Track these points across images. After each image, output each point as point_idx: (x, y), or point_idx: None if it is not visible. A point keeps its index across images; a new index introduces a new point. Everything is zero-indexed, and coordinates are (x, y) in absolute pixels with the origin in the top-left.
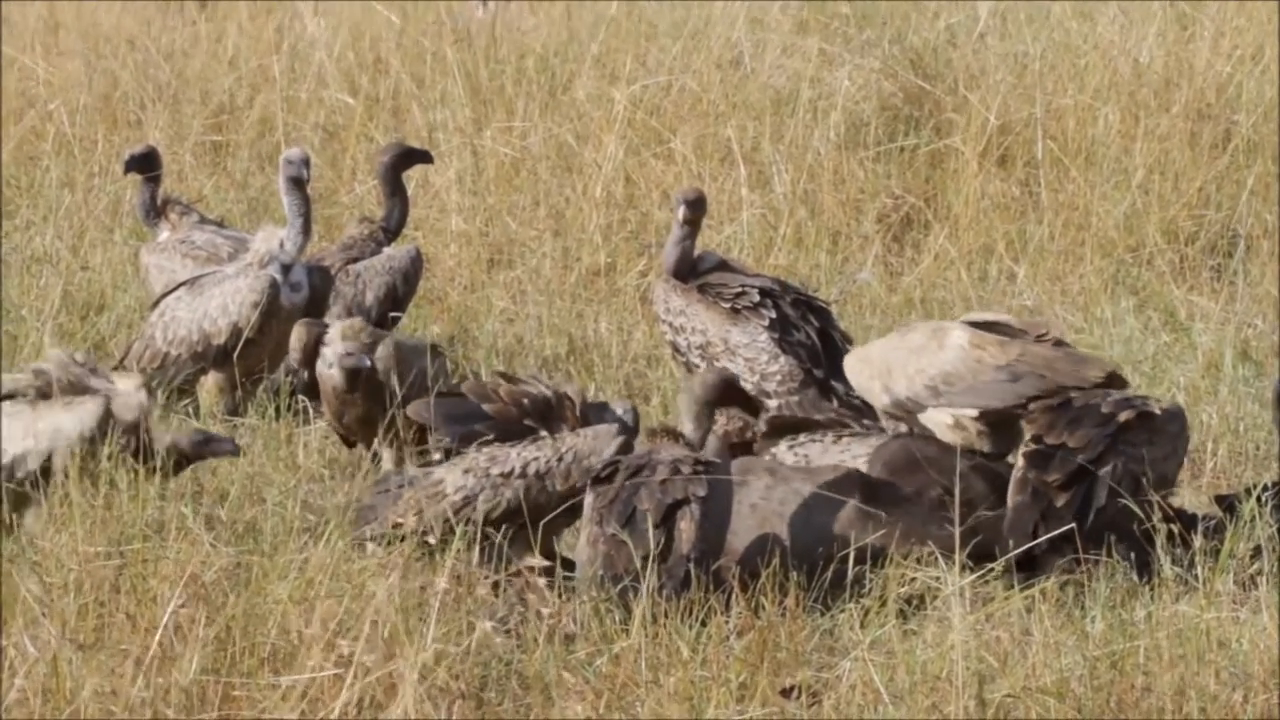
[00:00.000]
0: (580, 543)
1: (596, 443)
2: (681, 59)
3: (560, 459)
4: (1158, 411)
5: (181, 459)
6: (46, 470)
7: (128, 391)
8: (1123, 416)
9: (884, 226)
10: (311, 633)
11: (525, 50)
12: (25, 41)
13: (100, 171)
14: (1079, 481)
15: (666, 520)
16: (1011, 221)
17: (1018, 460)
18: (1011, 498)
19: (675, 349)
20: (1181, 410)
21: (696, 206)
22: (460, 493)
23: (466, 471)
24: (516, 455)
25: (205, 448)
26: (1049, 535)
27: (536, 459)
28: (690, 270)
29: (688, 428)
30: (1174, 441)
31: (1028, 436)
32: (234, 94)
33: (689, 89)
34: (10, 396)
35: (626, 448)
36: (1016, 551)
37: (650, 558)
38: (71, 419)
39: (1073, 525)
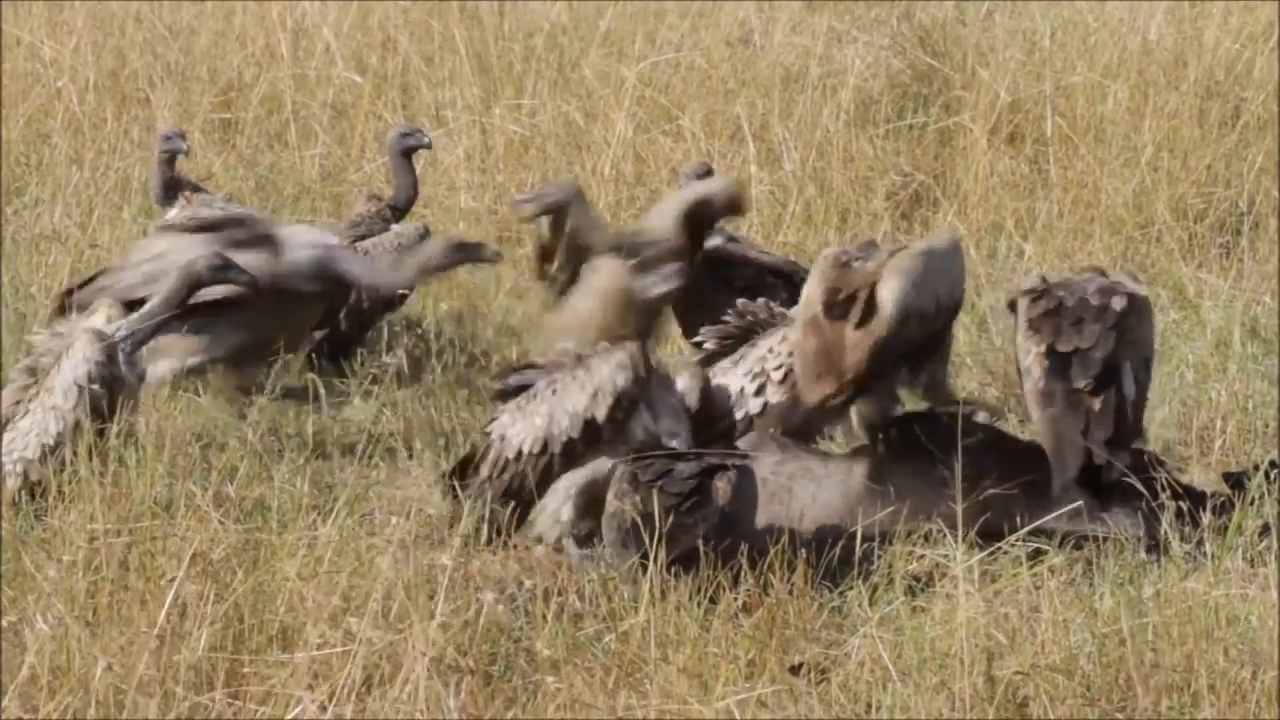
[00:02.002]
0: (609, 497)
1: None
2: (690, 36)
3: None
4: (1142, 291)
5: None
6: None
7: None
8: (1117, 304)
9: (893, 204)
10: (320, 609)
11: (534, 28)
12: (30, 20)
13: (109, 149)
14: (1106, 383)
15: (702, 481)
16: (1020, 199)
17: (1033, 373)
18: (1041, 410)
19: None
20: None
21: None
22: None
23: None
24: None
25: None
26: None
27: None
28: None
29: None
30: (1151, 316)
31: (1039, 348)
32: (242, 72)
33: (698, 66)
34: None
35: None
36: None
37: (674, 515)
38: (70, 365)
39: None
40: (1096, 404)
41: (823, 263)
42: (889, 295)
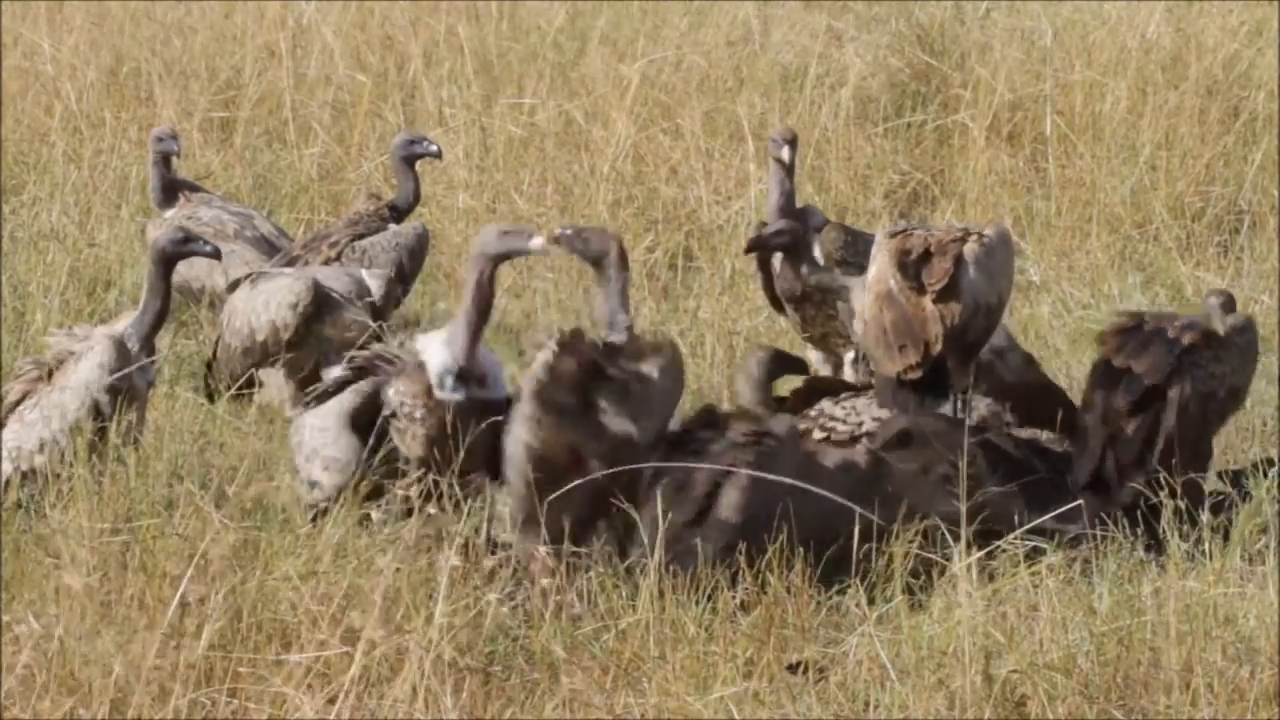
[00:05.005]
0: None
1: None
2: (689, 35)
3: None
4: (1221, 330)
5: None
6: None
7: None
8: (1187, 339)
9: (891, 202)
10: (320, 609)
11: (534, 27)
12: (30, 17)
13: (107, 148)
14: (1147, 406)
15: (710, 491)
16: (1019, 197)
17: (1088, 381)
18: (1080, 417)
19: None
20: (1251, 323)
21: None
22: None
23: None
24: None
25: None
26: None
27: None
28: (795, 212)
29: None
30: (1243, 354)
31: (1098, 359)
32: (241, 70)
33: (697, 65)
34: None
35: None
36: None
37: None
38: (86, 367)
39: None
40: (1131, 426)
41: (882, 238)
42: (967, 285)
